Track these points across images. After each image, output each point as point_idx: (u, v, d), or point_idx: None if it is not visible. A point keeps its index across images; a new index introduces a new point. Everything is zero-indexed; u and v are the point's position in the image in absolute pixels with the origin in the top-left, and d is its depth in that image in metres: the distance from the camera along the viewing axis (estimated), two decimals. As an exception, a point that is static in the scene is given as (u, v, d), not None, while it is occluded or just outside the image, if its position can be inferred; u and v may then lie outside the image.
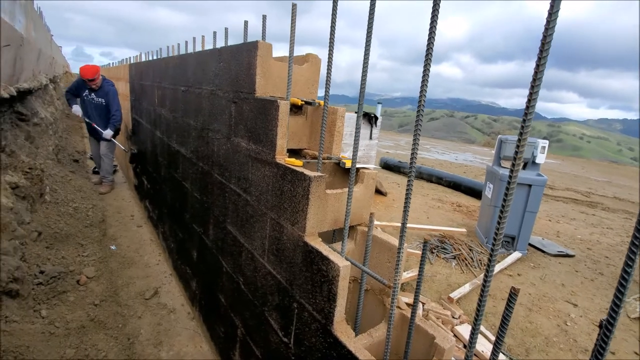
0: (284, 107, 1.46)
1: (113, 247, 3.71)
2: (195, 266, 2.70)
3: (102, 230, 3.86)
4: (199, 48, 2.51)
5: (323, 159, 1.73)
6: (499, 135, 5.16)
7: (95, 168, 6.25)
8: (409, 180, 1.00)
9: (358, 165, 1.57)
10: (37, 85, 3.25)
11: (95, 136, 5.46)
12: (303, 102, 1.66)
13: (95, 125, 5.23)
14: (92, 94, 5.12)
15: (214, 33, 2.33)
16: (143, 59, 4.56)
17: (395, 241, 1.41)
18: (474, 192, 8.26)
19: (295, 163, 1.42)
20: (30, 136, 4.10)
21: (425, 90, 0.93)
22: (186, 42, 3.00)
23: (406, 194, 1.00)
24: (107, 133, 5.16)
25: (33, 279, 2.40)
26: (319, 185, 1.31)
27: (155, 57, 3.87)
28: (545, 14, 0.61)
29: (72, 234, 3.32)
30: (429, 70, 0.92)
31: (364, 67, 1.14)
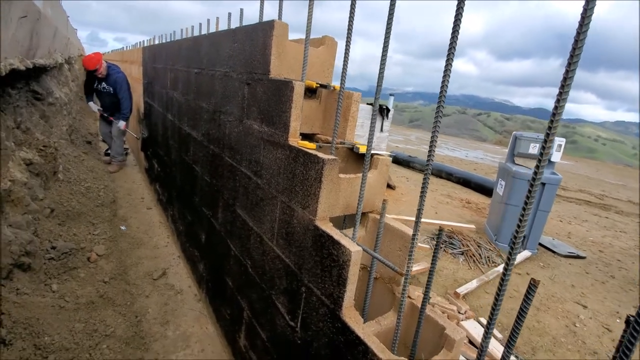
0: (298, 88, 1.43)
1: (123, 228, 3.76)
2: (204, 249, 2.71)
3: (113, 211, 3.90)
4: (212, 30, 2.48)
5: (336, 144, 1.70)
6: (514, 132, 5.04)
7: (107, 150, 6.32)
8: (426, 167, 0.97)
9: (372, 151, 1.53)
10: (52, 63, 3.26)
11: (107, 112, 5.52)
12: (318, 85, 1.62)
13: (112, 118, 5.36)
14: (102, 83, 5.17)
15: (229, 14, 2.30)
16: (157, 42, 4.54)
17: (407, 230, 1.38)
18: (484, 190, 8.14)
19: (308, 146, 1.39)
20: (45, 115, 4.15)
21: (446, 87, 0.93)
22: (200, 25, 2.97)
23: (423, 183, 0.97)
24: (120, 124, 5.22)
25: (45, 254, 2.44)
26: (332, 169, 1.28)
27: (168, 40, 3.85)
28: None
29: (84, 213, 3.36)
30: (450, 66, 0.89)
31: (383, 53, 1.10)
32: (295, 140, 1.48)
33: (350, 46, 1.30)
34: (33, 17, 1.93)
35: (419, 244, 4.05)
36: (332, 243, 1.22)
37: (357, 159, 1.62)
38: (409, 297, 1.37)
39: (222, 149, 2.22)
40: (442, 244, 4.48)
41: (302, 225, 1.39)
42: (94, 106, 5.31)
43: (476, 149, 23.84)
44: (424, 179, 0.97)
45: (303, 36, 1.59)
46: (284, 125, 1.49)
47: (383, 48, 1.09)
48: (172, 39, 3.72)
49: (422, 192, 0.97)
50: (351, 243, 1.18)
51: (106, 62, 5.14)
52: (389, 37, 1.08)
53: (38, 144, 3.19)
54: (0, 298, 1.79)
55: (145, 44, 5.23)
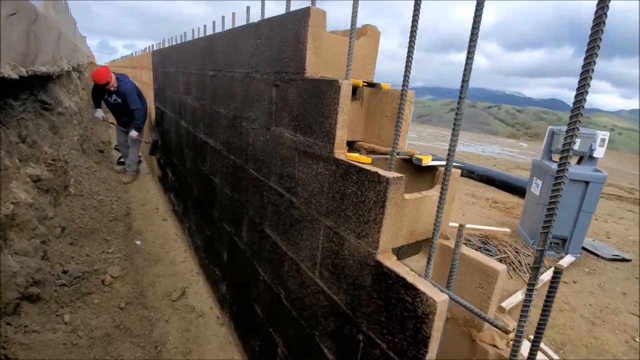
0: (346, 89, 1.16)
1: (138, 243, 3.56)
2: (225, 268, 2.47)
3: (127, 224, 3.71)
4: (228, 28, 2.22)
5: (385, 153, 1.43)
6: (550, 126, 4.67)
7: (120, 158, 6.18)
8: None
9: (436, 163, 1.26)
10: (57, 71, 3.06)
11: (121, 125, 5.38)
12: (365, 84, 1.35)
13: (123, 129, 5.28)
14: (113, 96, 5.03)
15: (247, 8, 2.04)
16: (166, 46, 4.34)
17: (494, 264, 1.10)
18: (510, 188, 7.74)
19: (361, 160, 1.12)
20: (54, 126, 3.98)
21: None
22: (213, 23, 2.72)
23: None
24: (132, 134, 5.07)
25: (55, 280, 2.24)
26: (398, 190, 1.01)
27: (179, 42, 3.63)
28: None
29: (97, 229, 3.17)
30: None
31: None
32: (342, 153, 1.21)
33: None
34: (27, 17, 1.71)
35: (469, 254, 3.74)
36: (404, 287, 0.95)
37: (414, 172, 1.34)
38: (494, 346, 1.09)
39: (245, 160, 1.97)
40: (477, 250, 4.16)
41: (356, 258, 1.13)
42: (100, 113, 5.18)
43: (491, 143, 23.21)
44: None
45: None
46: (327, 134, 1.23)
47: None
48: (183, 41, 3.49)
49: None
50: (432, 289, 0.91)
51: (114, 73, 5.00)
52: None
53: (47, 158, 3.01)
54: (6, 340, 1.58)
55: (155, 48, 5.03)
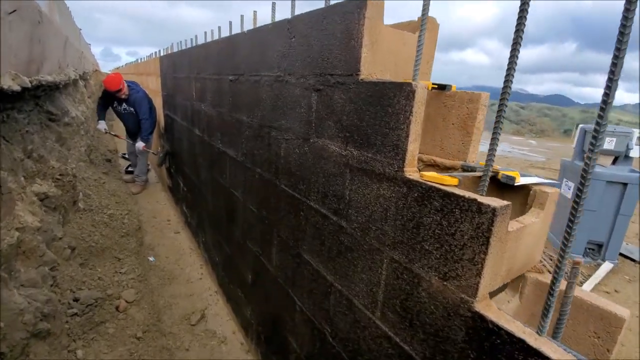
0: (421, 94, 0.94)
1: (151, 259, 3.36)
2: (250, 290, 2.26)
3: (139, 239, 3.51)
4: (247, 28, 2.02)
5: (451, 167, 1.21)
6: (581, 125, 4.42)
7: (128, 167, 6.02)
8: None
9: (530, 180, 1.03)
10: (64, 79, 2.88)
11: (130, 134, 5.21)
12: (435, 86, 1.13)
13: (130, 141, 5.11)
14: (123, 104, 4.81)
15: (273, 5, 1.83)
16: (175, 50, 4.15)
17: (615, 307, 0.87)
18: (529, 188, 7.45)
19: (445, 181, 0.90)
20: (61, 137, 3.81)
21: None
22: (230, 23, 2.53)
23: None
24: (138, 146, 4.85)
25: (66, 309, 2.04)
26: (503, 222, 0.79)
27: (189, 46, 3.44)
28: None
29: (108, 247, 2.97)
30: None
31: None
32: (413, 171, 0.99)
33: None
34: (31, 18, 1.51)
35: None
36: (522, 351, 0.73)
37: (497, 192, 1.12)
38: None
39: (274, 174, 1.75)
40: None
41: (440, 304, 0.90)
42: (102, 125, 4.96)
43: (502, 141, 22.85)
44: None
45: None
46: (394, 148, 1.01)
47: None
48: (194, 45, 3.30)
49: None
50: (566, 356, 0.68)
51: (126, 81, 4.80)
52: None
53: (54, 173, 2.82)
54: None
55: (162, 54, 4.85)
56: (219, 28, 2.75)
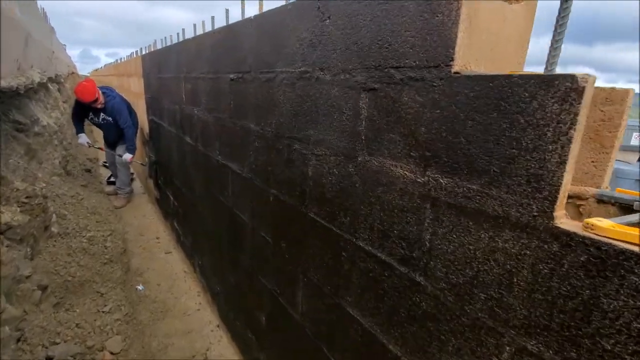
0: (589, 94, 0.57)
1: (140, 288, 2.92)
2: (265, 335, 1.86)
3: (125, 265, 3.06)
4: (250, 14, 1.61)
5: (578, 195, 0.85)
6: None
7: (109, 177, 5.49)
8: None
9: None
10: (25, 83, 2.40)
11: (110, 143, 4.69)
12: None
13: (113, 152, 4.59)
14: (101, 114, 4.25)
15: (287, -18, 1.44)
16: (159, 47, 3.69)
17: None
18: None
19: (631, 238, 0.53)
20: (30, 150, 3.32)
21: None
22: (226, 11, 2.12)
23: None
24: (126, 157, 4.35)
25: (34, 375, 1.61)
26: None
27: (175, 41, 3.00)
28: None
29: (88, 280, 2.52)
30: None
31: None
32: (564, 216, 0.62)
33: None
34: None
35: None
36: None
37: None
38: None
39: (299, 198, 1.36)
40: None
41: None
42: (84, 139, 4.43)
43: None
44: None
45: None
46: (532, 180, 0.63)
47: None
48: (180, 40, 2.86)
49: None
50: None
51: (99, 87, 4.25)
52: None
53: (19, 196, 2.35)
54: None
55: (145, 52, 4.37)
56: (213, 18, 2.33)
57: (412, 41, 0.82)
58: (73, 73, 19.03)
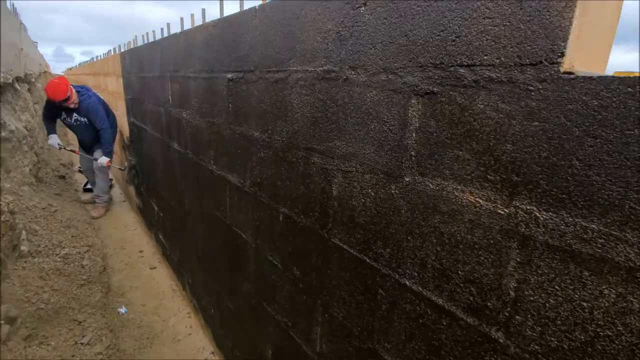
0: None
1: (122, 310, 2.63)
2: (270, 369, 1.64)
3: (105, 285, 2.77)
4: (251, 4, 1.39)
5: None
6: None
7: (86, 184, 5.10)
8: None
9: None
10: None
11: (85, 147, 4.32)
12: None
13: (89, 156, 4.23)
14: (74, 115, 3.92)
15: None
16: (140, 43, 3.40)
17: None
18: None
19: None
20: (-6, 157, 2.98)
21: None
22: (220, 2, 1.89)
23: None
24: (102, 161, 4.01)
25: None
26: None
27: (159, 37, 2.73)
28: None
29: (63, 306, 2.23)
30: None
31: None
32: None
33: None
34: None
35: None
36: None
37: None
38: None
39: (319, 221, 1.16)
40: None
41: None
42: (55, 140, 4.06)
43: None
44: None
45: None
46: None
47: None
48: (166, 34, 2.60)
49: None
50: None
51: (73, 86, 3.90)
52: None
53: (-22, 214, 2.05)
54: None
55: (124, 49, 4.05)
56: (203, 11, 2.09)
57: (496, 31, 0.63)
58: (45, 72, 18.10)
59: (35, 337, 1.97)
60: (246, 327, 1.84)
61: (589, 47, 0.61)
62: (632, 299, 0.52)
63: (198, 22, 2.04)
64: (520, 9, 0.59)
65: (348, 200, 1.02)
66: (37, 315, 2.06)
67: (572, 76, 0.55)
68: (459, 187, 0.73)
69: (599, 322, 0.56)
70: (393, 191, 0.88)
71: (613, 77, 0.51)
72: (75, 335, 2.08)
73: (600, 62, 0.64)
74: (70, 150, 4.55)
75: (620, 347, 0.54)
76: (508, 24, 0.61)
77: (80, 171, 5.69)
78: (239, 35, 1.48)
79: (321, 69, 1.05)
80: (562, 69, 0.56)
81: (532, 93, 0.60)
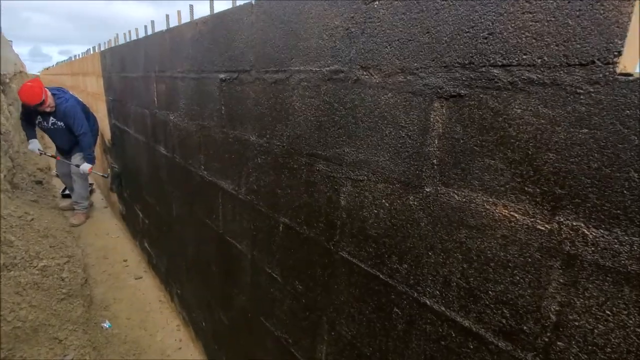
0: None
1: (106, 325, 2.48)
2: (269, 387, 1.55)
3: (87, 298, 2.60)
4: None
5: None
6: None
7: (64, 190, 4.85)
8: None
9: None
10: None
11: (63, 152, 4.10)
12: None
13: (68, 162, 4.00)
14: (51, 118, 3.72)
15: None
16: (122, 42, 3.23)
17: None
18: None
19: None
20: (-38, 163, 2.77)
21: None
22: (190, 7, 1.79)
23: None
24: (84, 168, 3.82)
25: None
26: None
27: (142, 35, 2.59)
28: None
29: (42, 323, 2.07)
30: None
31: None
32: None
33: None
34: None
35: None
36: None
37: None
38: None
39: (325, 233, 1.08)
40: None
41: None
42: (35, 145, 3.86)
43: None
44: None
45: None
46: None
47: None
48: (150, 32, 2.46)
49: None
50: None
51: (49, 89, 3.69)
52: None
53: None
54: None
55: (105, 47, 3.86)
56: (191, 7, 1.98)
57: (538, 27, 0.57)
58: (21, 72, 17.32)
59: (12, 359, 1.82)
60: (242, 342, 1.74)
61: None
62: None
63: (185, 19, 1.93)
64: (569, 2, 0.53)
65: (358, 211, 0.95)
66: (13, 335, 1.90)
67: (630, 78, 0.49)
68: (490, 199, 0.66)
69: (661, 353, 0.50)
70: (411, 202, 0.81)
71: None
72: (56, 355, 1.93)
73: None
74: (51, 156, 4.32)
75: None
76: (553, 19, 0.55)
77: (57, 176, 5.43)
78: (233, 32, 1.38)
79: (327, 69, 0.97)
80: (618, 70, 0.50)
81: (582, 97, 0.53)
